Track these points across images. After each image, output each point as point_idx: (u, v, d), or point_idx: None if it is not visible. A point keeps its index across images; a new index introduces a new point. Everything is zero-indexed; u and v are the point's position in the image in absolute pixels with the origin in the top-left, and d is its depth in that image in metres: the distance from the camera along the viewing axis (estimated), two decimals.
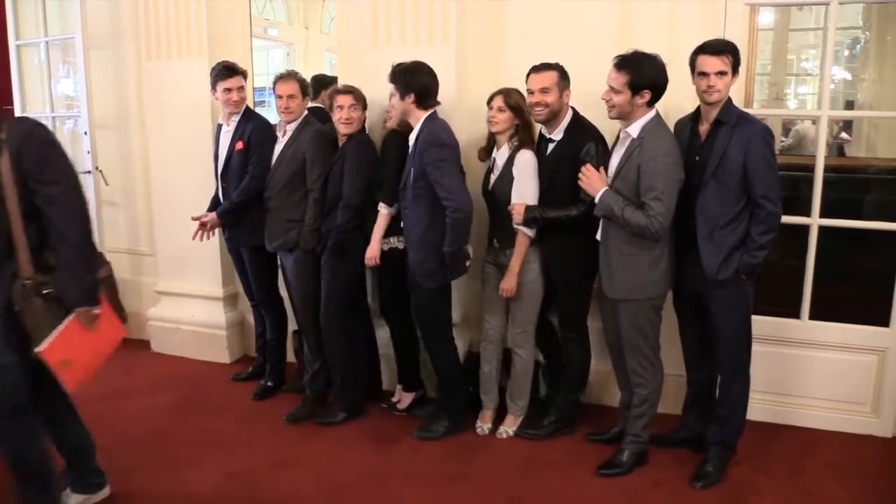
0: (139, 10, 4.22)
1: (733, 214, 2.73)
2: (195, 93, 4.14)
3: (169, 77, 4.21)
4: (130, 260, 4.80)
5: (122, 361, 4.32)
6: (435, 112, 3.18)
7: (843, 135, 6.51)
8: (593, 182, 2.88)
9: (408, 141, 3.21)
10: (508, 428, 3.41)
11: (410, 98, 3.10)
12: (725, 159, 2.69)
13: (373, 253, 3.34)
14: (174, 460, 3.20)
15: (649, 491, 2.91)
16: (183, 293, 4.45)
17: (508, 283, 3.18)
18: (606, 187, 2.85)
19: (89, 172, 4.42)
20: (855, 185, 4.61)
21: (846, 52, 7.27)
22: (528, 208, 3.08)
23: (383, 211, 3.32)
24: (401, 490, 2.96)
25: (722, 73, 2.68)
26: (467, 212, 3.07)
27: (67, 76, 4.91)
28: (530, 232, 3.14)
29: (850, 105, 6.78)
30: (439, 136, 3.10)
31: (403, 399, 3.68)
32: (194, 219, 3.75)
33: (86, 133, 4.39)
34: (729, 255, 2.75)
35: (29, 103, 4.95)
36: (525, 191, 3.11)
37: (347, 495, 2.94)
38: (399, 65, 3.13)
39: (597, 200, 2.86)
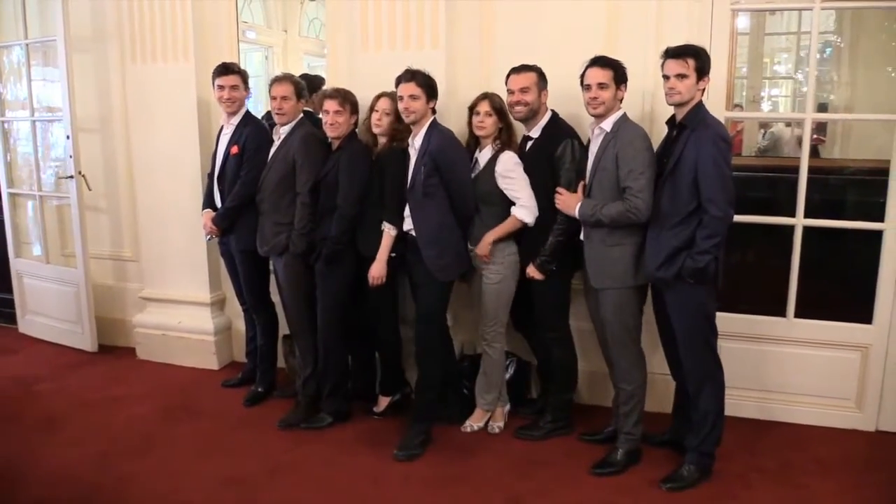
0: (123, 11, 4.17)
1: (682, 216, 2.76)
2: (181, 96, 4.11)
3: (154, 80, 4.16)
4: (114, 266, 4.75)
5: (109, 369, 4.35)
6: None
7: (815, 136, 6.65)
8: (568, 202, 3.02)
9: (406, 157, 3.27)
10: (474, 423, 3.46)
11: (433, 103, 3.20)
12: (680, 161, 2.75)
13: (379, 273, 3.31)
14: (168, 468, 3.16)
15: (645, 489, 2.95)
16: (169, 299, 4.40)
17: (482, 250, 3.21)
18: (580, 201, 2.97)
19: (72, 177, 4.35)
20: (831, 186, 4.71)
21: (817, 56, 7.42)
22: (536, 263, 3.17)
23: (391, 232, 3.31)
24: (399, 493, 2.96)
25: (682, 76, 2.74)
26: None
27: (48, 81, 4.81)
28: (528, 219, 3.17)
29: (822, 107, 6.93)
30: (456, 138, 3.28)
31: (380, 402, 3.69)
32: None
33: (68, 137, 4.31)
34: (672, 256, 2.78)
35: (9, 107, 4.87)
36: (522, 193, 3.17)
37: (345, 500, 2.93)
38: (421, 70, 3.17)
39: (577, 216, 2.98)
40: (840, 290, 3.82)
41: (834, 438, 3.35)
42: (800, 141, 6.60)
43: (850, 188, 4.62)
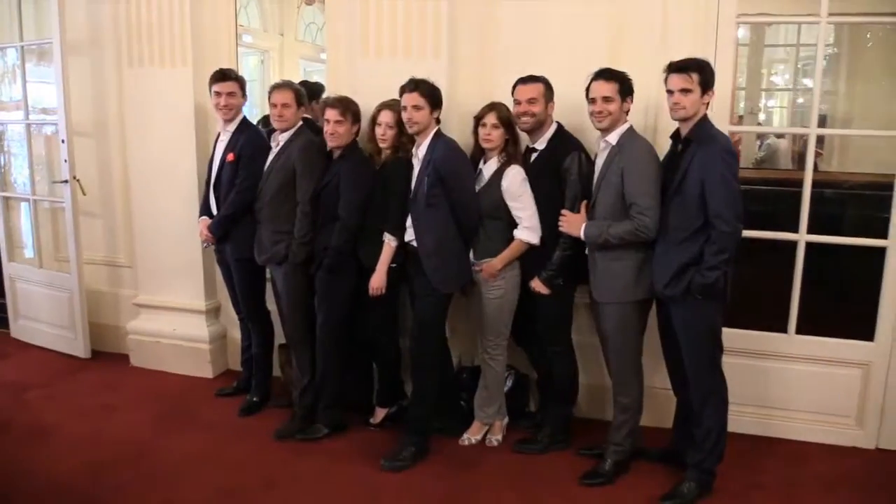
0: (120, 15, 4.11)
1: (690, 232, 2.73)
2: (178, 101, 4.06)
3: (151, 84, 4.11)
4: (108, 272, 4.68)
5: (102, 376, 4.29)
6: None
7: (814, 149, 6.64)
8: (573, 223, 2.99)
9: (410, 167, 3.25)
10: (472, 436, 3.44)
11: (437, 113, 3.17)
12: (687, 177, 2.73)
13: (379, 283, 3.29)
14: (162, 479, 3.11)
15: None
16: (163, 306, 4.34)
17: (490, 275, 3.20)
18: (585, 222, 2.95)
19: (66, 182, 4.29)
20: (829, 200, 4.70)
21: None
22: (542, 277, 3.14)
23: (391, 243, 3.28)
24: None
25: (686, 91, 2.71)
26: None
27: (43, 82, 4.76)
28: (534, 240, 3.15)
29: (821, 119, 6.92)
30: (460, 148, 3.24)
31: (377, 414, 3.65)
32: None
33: (63, 141, 4.26)
34: (680, 272, 2.75)
35: (3, 108, 4.81)
36: (525, 213, 3.16)
37: None
38: (425, 80, 3.13)
39: (582, 237, 2.96)
40: (837, 306, 3.80)
41: (834, 456, 3.33)
42: (795, 152, 6.65)
43: (849, 202, 4.61)
